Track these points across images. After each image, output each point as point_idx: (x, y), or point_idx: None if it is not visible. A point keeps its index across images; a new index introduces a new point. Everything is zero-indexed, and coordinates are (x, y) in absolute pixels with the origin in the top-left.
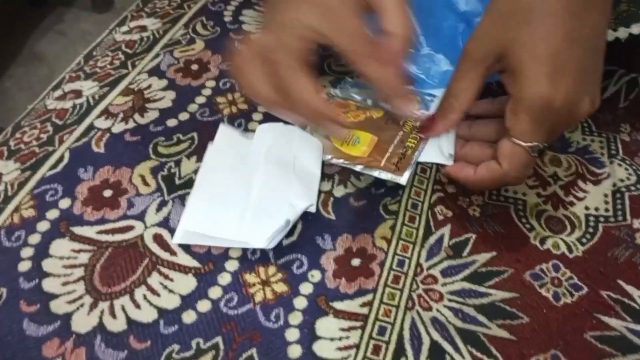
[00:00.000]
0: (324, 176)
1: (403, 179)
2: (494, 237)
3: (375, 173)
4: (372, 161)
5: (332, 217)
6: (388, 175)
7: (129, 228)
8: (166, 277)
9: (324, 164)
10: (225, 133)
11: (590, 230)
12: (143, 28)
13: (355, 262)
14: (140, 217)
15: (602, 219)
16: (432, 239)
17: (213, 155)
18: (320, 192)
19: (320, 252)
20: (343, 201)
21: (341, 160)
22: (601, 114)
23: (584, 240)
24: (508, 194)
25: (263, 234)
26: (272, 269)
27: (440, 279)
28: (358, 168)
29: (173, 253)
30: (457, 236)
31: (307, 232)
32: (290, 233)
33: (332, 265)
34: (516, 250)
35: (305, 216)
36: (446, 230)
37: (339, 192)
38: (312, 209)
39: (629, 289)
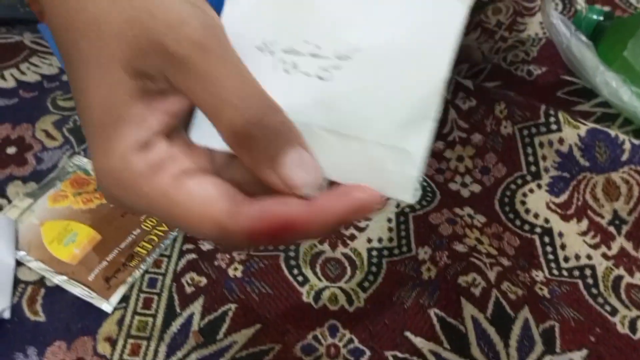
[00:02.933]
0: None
1: (108, 305)
2: (259, 302)
3: (77, 291)
4: (78, 272)
5: (41, 318)
6: (92, 295)
7: None
8: None
9: (19, 263)
10: None
11: (373, 269)
12: None
13: None
14: None
15: (385, 252)
16: (175, 326)
17: None
18: (25, 283)
19: None
20: (57, 292)
21: (41, 264)
22: None
23: (366, 284)
24: None
25: None
26: None
27: None
28: (58, 280)
29: None
30: (211, 312)
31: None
32: None
33: None
34: (286, 315)
35: None
36: (196, 307)
37: (54, 278)
38: (6, 315)
39: (418, 342)
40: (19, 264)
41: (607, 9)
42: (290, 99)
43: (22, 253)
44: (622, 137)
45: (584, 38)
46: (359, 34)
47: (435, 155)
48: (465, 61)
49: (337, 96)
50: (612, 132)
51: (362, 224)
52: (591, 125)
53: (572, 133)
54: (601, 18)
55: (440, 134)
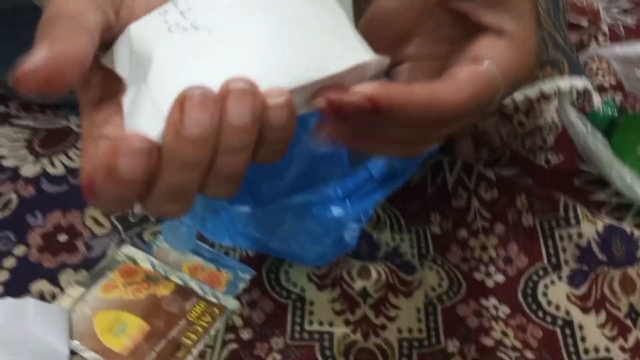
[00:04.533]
0: None
1: None
2: None
3: None
4: None
5: None
6: None
7: None
8: None
9: (74, 353)
10: None
11: None
12: None
13: None
14: None
15: (415, 343)
16: None
17: None
18: None
19: None
20: None
21: (94, 354)
22: (409, 204)
23: None
24: (313, 327)
25: None
26: None
27: None
28: None
29: None
30: None
31: None
32: None
33: None
34: None
35: None
36: None
37: None
38: None
39: None
40: (73, 353)
41: (618, 97)
42: (145, 30)
43: (75, 342)
44: (637, 233)
45: (599, 136)
46: (227, 23)
47: (460, 243)
48: (485, 146)
49: (165, 46)
50: (628, 229)
51: (392, 313)
52: (608, 221)
53: (590, 228)
54: (615, 114)
55: (464, 222)
